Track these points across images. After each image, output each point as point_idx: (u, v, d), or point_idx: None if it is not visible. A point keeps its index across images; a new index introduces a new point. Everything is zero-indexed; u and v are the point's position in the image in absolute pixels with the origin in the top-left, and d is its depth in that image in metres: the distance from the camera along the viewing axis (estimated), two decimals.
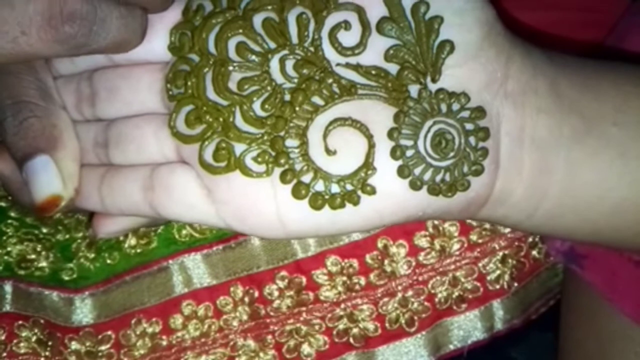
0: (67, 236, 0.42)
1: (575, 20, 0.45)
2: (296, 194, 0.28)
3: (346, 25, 0.28)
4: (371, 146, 0.28)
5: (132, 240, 0.41)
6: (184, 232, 0.41)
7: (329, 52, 0.29)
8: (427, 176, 0.28)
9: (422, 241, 0.41)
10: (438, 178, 0.28)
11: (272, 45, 0.29)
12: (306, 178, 0.28)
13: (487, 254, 0.42)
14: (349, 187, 0.28)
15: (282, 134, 0.28)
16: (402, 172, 0.28)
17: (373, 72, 0.28)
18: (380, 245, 0.41)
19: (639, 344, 0.40)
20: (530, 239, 0.43)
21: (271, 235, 0.30)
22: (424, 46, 0.28)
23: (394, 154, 0.28)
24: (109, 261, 0.42)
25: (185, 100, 0.29)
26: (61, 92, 0.32)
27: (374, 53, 0.28)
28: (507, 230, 0.42)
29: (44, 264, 0.42)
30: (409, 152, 0.28)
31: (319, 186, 0.28)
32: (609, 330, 0.41)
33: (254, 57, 0.29)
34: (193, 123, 0.29)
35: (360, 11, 0.28)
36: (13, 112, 0.30)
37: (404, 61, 0.28)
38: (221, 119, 0.29)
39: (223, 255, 0.41)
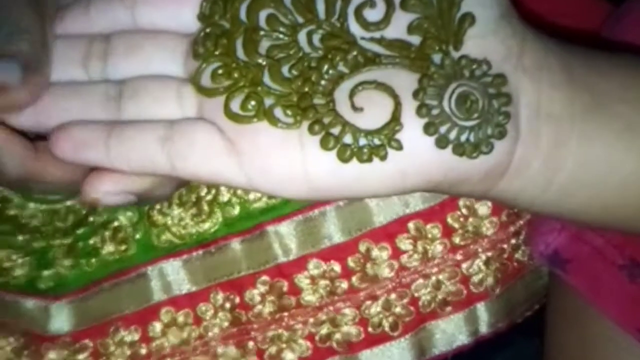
0: (44, 244, 0.41)
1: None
2: (325, 144, 0.28)
3: (371, 3, 0.29)
4: (397, 104, 0.29)
5: (110, 247, 0.41)
6: (163, 237, 0.41)
7: (354, 27, 0.29)
8: (452, 135, 0.29)
9: (404, 244, 0.41)
10: (463, 137, 0.29)
11: (301, 20, 0.30)
12: (335, 130, 0.29)
13: (469, 256, 0.42)
14: (377, 141, 0.28)
15: (309, 92, 0.29)
16: (428, 129, 0.28)
17: (396, 44, 0.29)
18: (362, 248, 0.41)
19: (623, 347, 0.40)
20: (513, 241, 0.43)
21: (294, 192, 0.29)
22: (446, 18, 0.29)
23: (420, 111, 0.28)
24: (86, 268, 0.41)
25: (213, 58, 0.30)
26: (65, 47, 0.31)
27: (398, 28, 0.29)
28: (490, 232, 0.42)
29: (20, 272, 0.41)
30: (435, 111, 0.28)
31: (348, 139, 0.29)
32: (593, 334, 0.41)
33: (283, 28, 0.30)
34: (219, 77, 0.29)
35: None
36: (8, 31, 0.29)
37: (427, 32, 0.29)
38: (250, 76, 0.29)
39: (203, 260, 0.41)
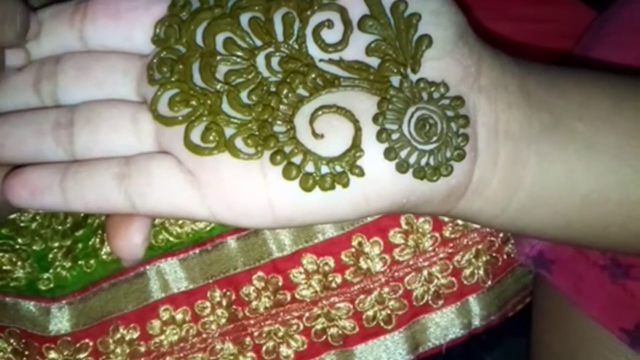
0: (44, 246, 0.42)
1: (546, 31, 0.47)
2: (287, 174, 0.28)
3: (329, 23, 0.29)
4: (357, 129, 0.29)
5: (109, 248, 0.41)
6: (160, 237, 0.41)
7: (313, 49, 0.29)
8: (412, 159, 0.29)
9: (396, 238, 0.42)
10: (423, 161, 0.29)
11: (258, 42, 0.29)
12: (296, 159, 0.28)
13: (460, 249, 0.42)
14: (339, 168, 0.28)
15: (269, 120, 0.29)
16: (388, 154, 0.29)
17: (355, 66, 0.29)
18: (355, 242, 0.41)
19: (606, 347, 0.41)
20: (502, 234, 0.43)
21: (258, 222, 0.29)
22: (403, 40, 0.29)
23: (380, 136, 0.28)
24: (85, 269, 0.42)
25: (170, 84, 0.29)
26: (16, 70, 0.30)
27: (356, 49, 0.29)
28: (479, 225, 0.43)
29: (20, 274, 0.42)
30: (395, 136, 0.29)
31: (309, 167, 0.29)
32: (577, 333, 0.42)
33: (240, 52, 0.29)
34: (177, 105, 0.29)
35: (342, 11, 0.29)
36: None
37: (385, 54, 0.29)
38: (208, 102, 0.29)
39: (199, 258, 0.42)
